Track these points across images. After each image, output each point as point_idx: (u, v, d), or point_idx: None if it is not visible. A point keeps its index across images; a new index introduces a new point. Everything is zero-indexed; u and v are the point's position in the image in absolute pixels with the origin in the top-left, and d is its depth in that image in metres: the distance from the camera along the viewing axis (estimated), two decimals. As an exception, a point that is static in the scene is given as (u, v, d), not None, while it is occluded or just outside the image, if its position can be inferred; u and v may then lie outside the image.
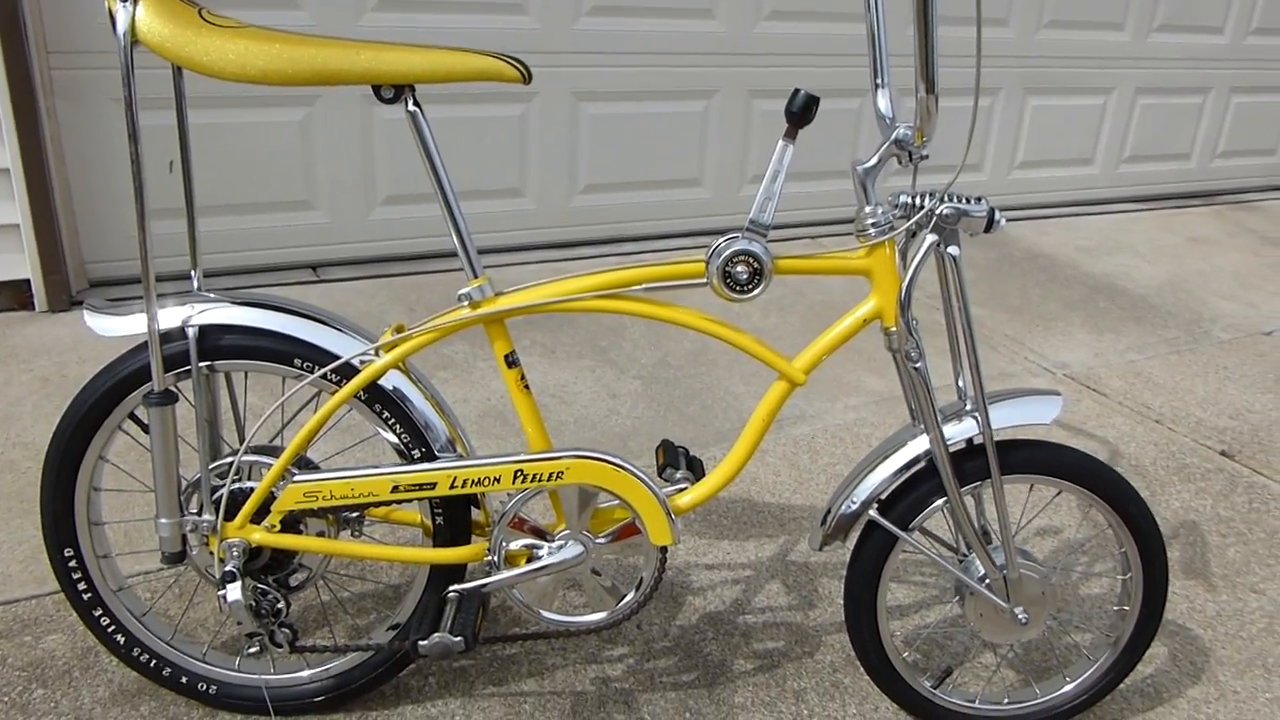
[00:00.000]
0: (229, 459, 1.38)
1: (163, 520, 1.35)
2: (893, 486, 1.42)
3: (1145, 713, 1.63)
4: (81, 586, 1.42)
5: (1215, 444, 2.51)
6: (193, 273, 1.42)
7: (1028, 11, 4.00)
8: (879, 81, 1.32)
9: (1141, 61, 4.34)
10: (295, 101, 2.98)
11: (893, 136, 1.29)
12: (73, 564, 1.41)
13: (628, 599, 1.44)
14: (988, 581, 1.45)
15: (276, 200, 3.07)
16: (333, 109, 3.03)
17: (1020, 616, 1.45)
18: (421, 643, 1.33)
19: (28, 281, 2.70)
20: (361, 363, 1.35)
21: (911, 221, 1.32)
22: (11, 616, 1.67)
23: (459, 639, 1.33)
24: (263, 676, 1.48)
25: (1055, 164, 4.38)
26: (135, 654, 1.46)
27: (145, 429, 1.34)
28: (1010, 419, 1.39)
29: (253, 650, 1.39)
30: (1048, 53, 4.11)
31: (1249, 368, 2.98)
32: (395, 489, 1.34)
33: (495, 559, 1.41)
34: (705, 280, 1.32)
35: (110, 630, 1.45)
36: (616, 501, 1.40)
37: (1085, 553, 2.04)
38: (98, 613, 1.44)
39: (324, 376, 1.35)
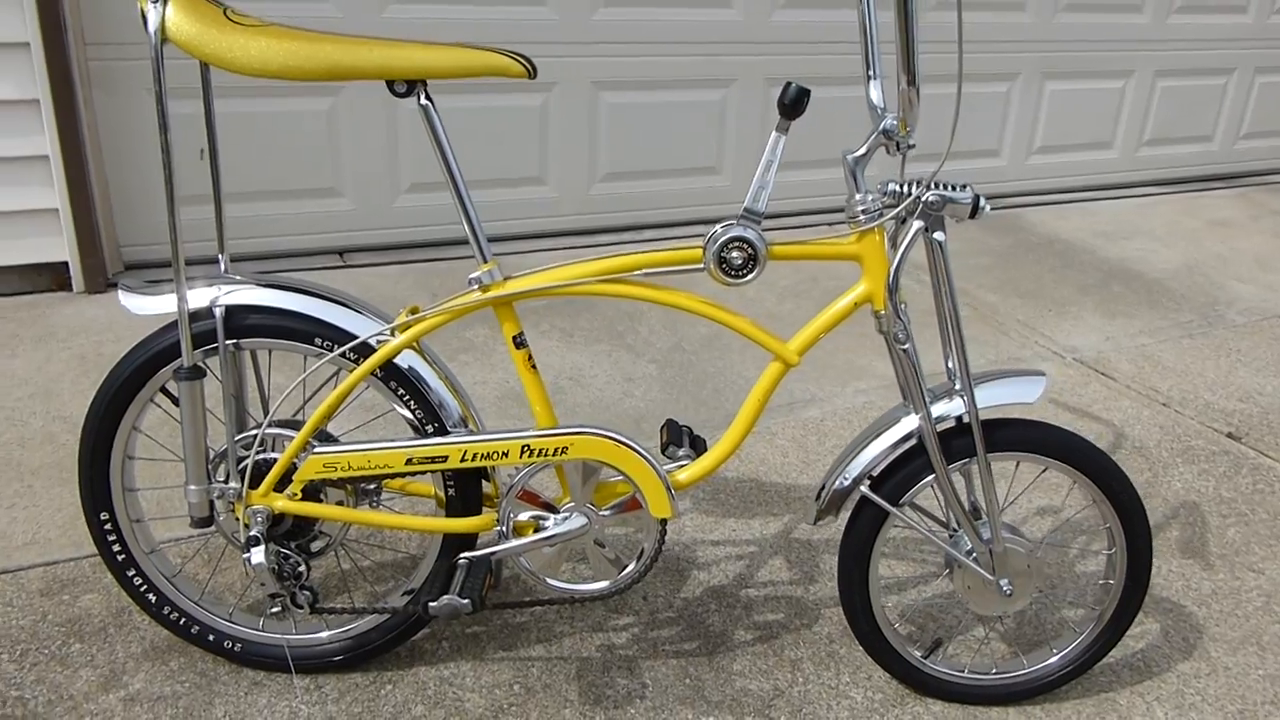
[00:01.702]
0: (254, 431, 1.47)
1: (191, 487, 1.44)
2: (884, 463, 1.48)
3: (1134, 685, 1.68)
4: (116, 548, 1.52)
5: (1222, 426, 2.54)
6: (220, 256, 1.51)
7: (1047, -4, 4.00)
8: (871, 73, 1.37)
9: (1161, 44, 4.33)
10: (322, 92, 3.07)
11: (880, 126, 1.35)
12: (108, 527, 1.51)
13: (629, 569, 1.52)
14: (974, 555, 1.51)
15: (304, 187, 3.17)
16: (359, 99, 3.11)
17: (1005, 589, 1.51)
18: (431, 604, 1.42)
19: (66, 264, 2.81)
20: (378, 342, 1.43)
21: (900, 209, 1.37)
22: (51, 577, 1.77)
23: (466, 601, 1.41)
24: (285, 636, 1.57)
25: (1074, 148, 4.39)
26: (166, 612, 1.56)
27: (176, 402, 1.43)
28: (995, 399, 1.45)
29: (275, 611, 1.48)
30: (1066, 37, 4.11)
31: (1262, 351, 3.00)
32: (409, 461, 1.42)
33: (504, 529, 1.49)
34: (703, 265, 1.38)
35: (143, 589, 1.54)
36: (619, 476, 1.47)
37: (1084, 531, 2.09)
38: (131, 573, 1.53)
39: (342, 355, 1.43)
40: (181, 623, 1.57)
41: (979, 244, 3.79)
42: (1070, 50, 4.15)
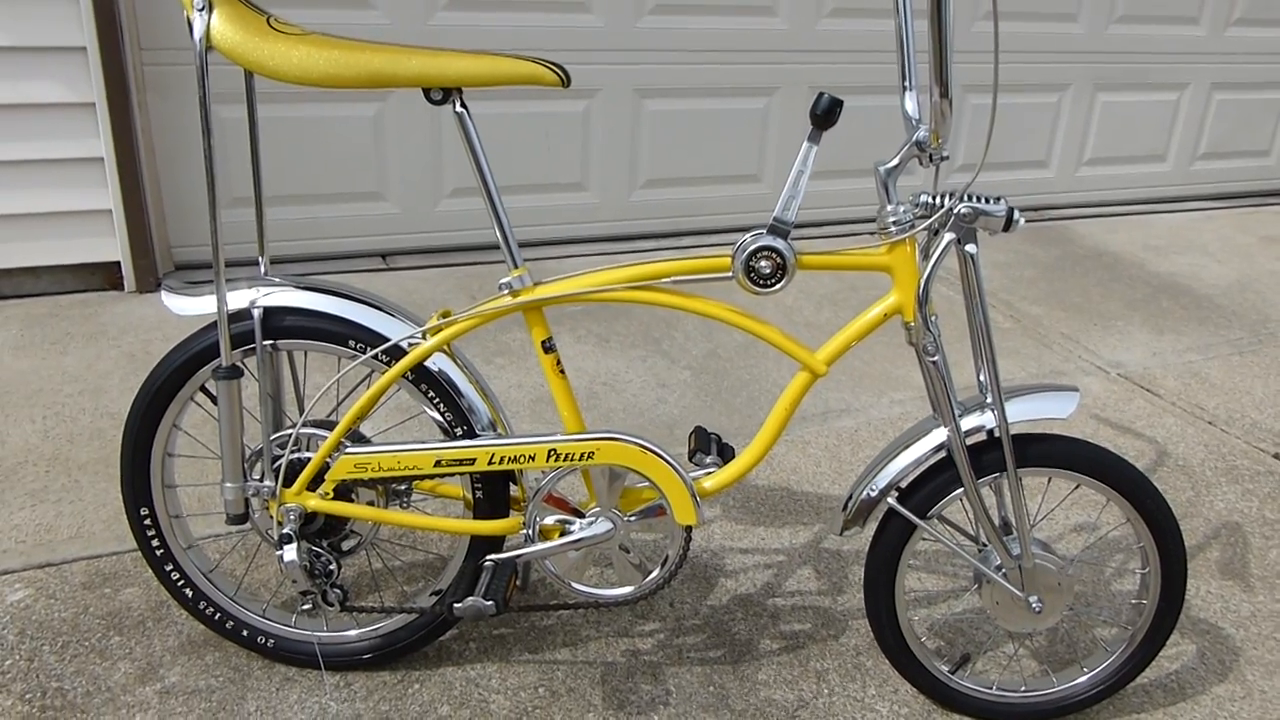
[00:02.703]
0: (289, 431, 1.50)
1: (228, 484, 1.47)
2: (912, 475, 1.48)
3: (1167, 707, 1.65)
4: (155, 543, 1.56)
5: (1269, 447, 2.48)
6: (260, 259, 1.54)
7: (1098, 6, 3.94)
8: (906, 83, 1.37)
9: (1218, 56, 4.24)
10: (369, 97, 3.12)
11: (913, 138, 1.34)
12: (148, 522, 1.55)
13: (653, 575, 1.52)
14: (1004, 571, 1.50)
15: (349, 191, 3.22)
16: (404, 105, 3.16)
17: (1034, 606, 1.49)
18: (456, 605, 1.44)
19: (118, 264, 2.89)
20: (409, 345, 1.45)
21: (931, 220, 1.37)
22: (94, 570, 1.82)
23: (490, 602, 1.43)
24: (315, 633, 1.60)
25: (1126, 161, 4.31)
26: (201, 607, 1.59)
27: (215, 401, 1.46)
28: (1026, 413, 1.43)
29: (306, 608, 1.50)
30: (1119, 48, 4.05)
31: (1314, 372, 2.93)
32: (438, 463, 1.44)
33: (530, 532, 1.51)
34: (731, 274, 1.39)
35: (180, 584, 1.58)
36: (645, 482, 1.48)
37: (1119, 548, 2.05)
38: (169, 568, 1.57)
39: (375, 357, 1.46)
40: (217, 618, 1.60)
41: (1025, 256, 3.74)
42: (1123, 62, 4.09)
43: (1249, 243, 4.07)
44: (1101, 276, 3.59)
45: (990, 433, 1.45)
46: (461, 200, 3.36)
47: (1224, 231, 4.20)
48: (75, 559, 1.85)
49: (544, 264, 3.35)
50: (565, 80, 1.37)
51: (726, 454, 1.58)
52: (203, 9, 1.28)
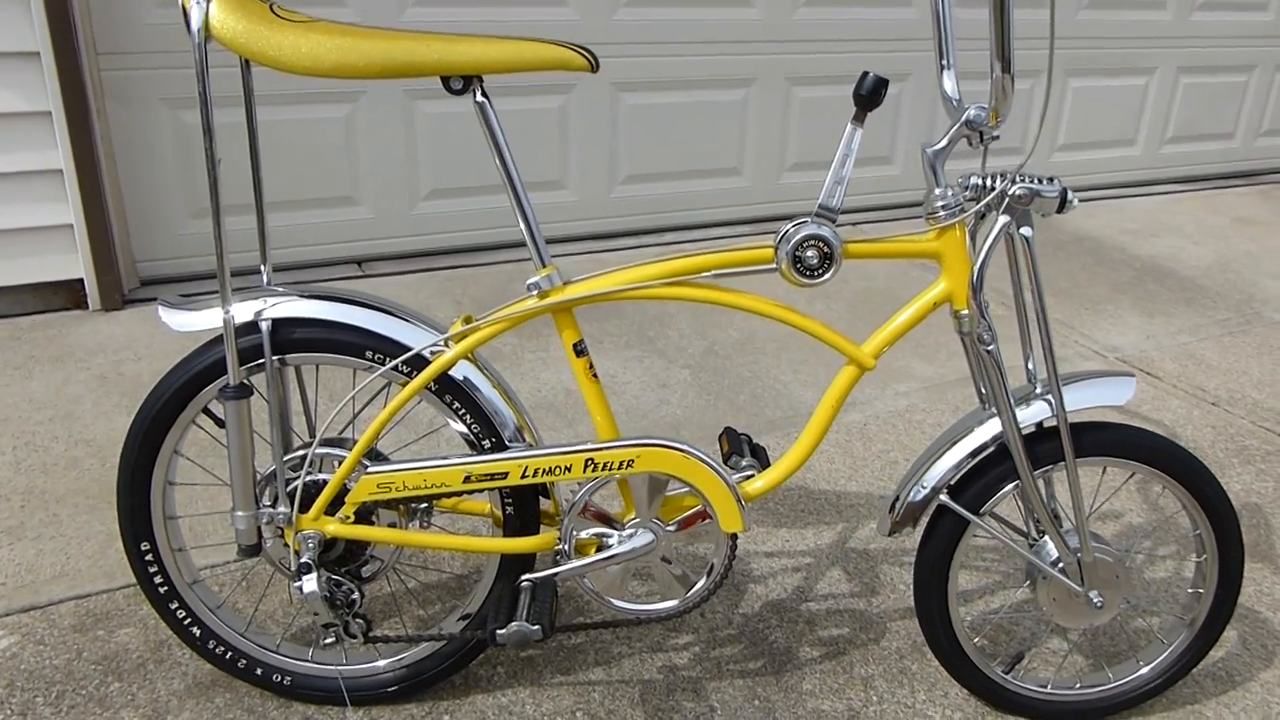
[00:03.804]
0: (302, 451, 1.39)
1: (239, 513, 1.36)
2: (963, 471, 1.41)
3: (1218, 696, 1.61)
4: (158, 580, 1.44)
5: (1274, 425, 2.47)
6: (262, 267, 1.43)
7: (1068, -9, 3.95)
8: (945, 63, 1.31)
9: (1184, 40, 4.27)
10: (339, 98, 2.99)
11: (963, 117, 1.28)
12: (149, 558, 1.43)
13: (698, 586, 1.44)
14: (1061, 565, 1.44)
15: (321, 196, 3.09)
16: (376, 105, 3.04)
17: (1095, 600, 1.44)
18: (500, 631, 1.34)
19: (81, 281, 2.74)
20: (432, 354, 1.35)
21: (982, 203, 1.31)
22: (84, 611, 1.69)
23: (536, 627, 1.34)
24: (337, 667, 1.49)
25: (1097, 146, 4.33)
26: (211, 646, 1.48)
27: (219, 423, 1.35)
28: (1084, 401, 1.38)
29: (329, 641, 1.40)
30: (1088, 34, 4.06)
31: (1304, 348, 2.94)
32: (467, 479, 1.35)
33: (566, 548, 1.42)
34: (774, 266, 1.31)
35: (186, 623, 1.46)
36: (685, 489, 1.40)
37: (1149, 535, 2.02)
38: (174, 605, 1.45)
39: (395, 368, 1.35)
40: (228, 656, 1.49)
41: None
42: (1093, 47, 4.09)
43: (1222, 224, 4.10)
44: (1085, 261, 3.59)
45: (1040, 423, 1.40)
46: (439, 202, 3.25)
47: (1197, 213, 4.23)
48: (62, 599, 1.72)
49: (526, 265, 3.25)
50: (594, 65, 1.28)
51: (760, 455, 1.51)
52: (200, -3, 1.17)
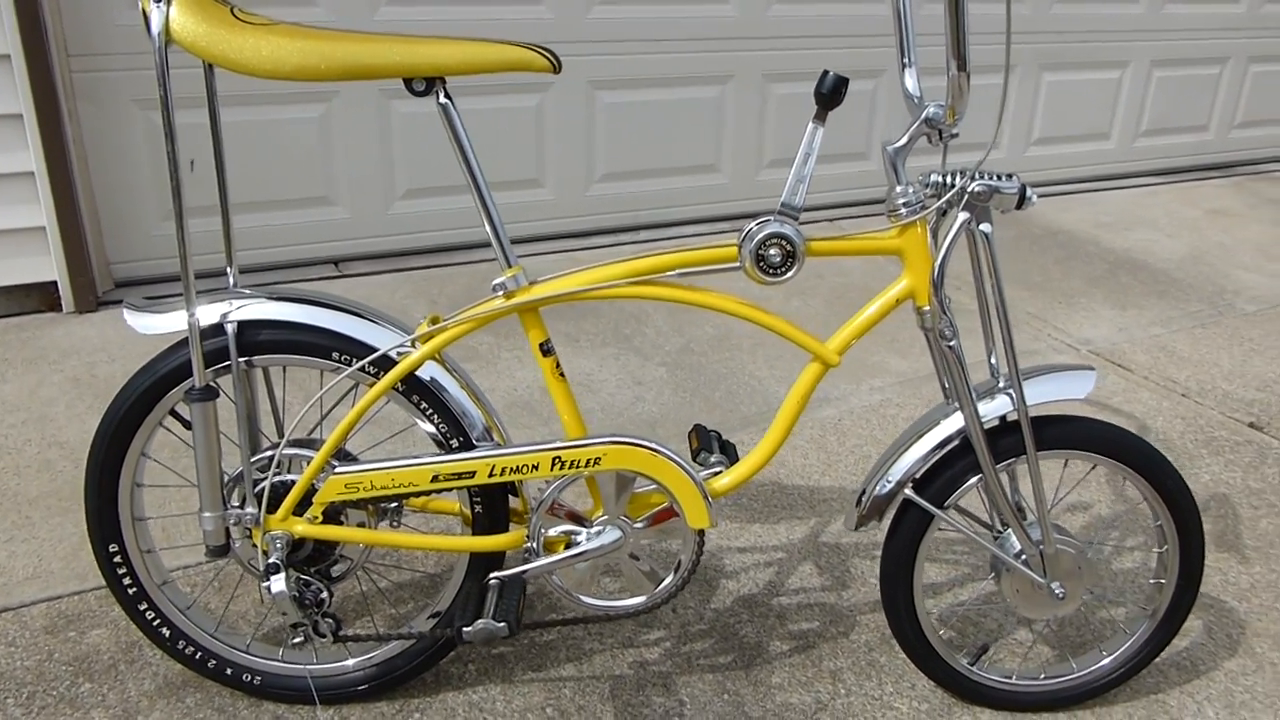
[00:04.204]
0: (269, 452, 1.40)
1: (206, 514, 1.36)
2: (927, 465, 1.43)
3: (1182, 685, 1.63)
4: (127, 581, 1.44)
5: (1243, 416, 2.50)
6: (228, 269, 1.43)
7: (1042, -14, 3.97)
8: (906, 60, 1.32)
9: (1156, 33, 4.31)
10: (313, 98, 2.99)
11: (923, 115, 1.29)
12: (118, 559, 1.43)
13: (666, 582, 1.45)
14: (1024, 557, 1.46)
15: (297, 197, 3.09)
16: (351, 105, 3.04)
17: (1057, 591, 1.45)
18: (466, 629, 1.35)
19: (55, 283, 2.72)
20: (399, 354, 1.36)
21: (943, 200, 1.32)
22: (56, 613, 1.69)
23: (503, 624, 1.34)
24: (307, 666, 1.50)
25: (1072, 140, 4.36)
26: (181, 647, 1.48)
27: (186, 425, 1.36)
28: (1045, 394, 1.39)
29: (297, 640, 1.40)
30: (1061, 27, 4.09)
31: (1275, 339, 2.97)
32: (435, 478, 1.35)
33: (534, 545, 1.42)
34: (738, 264, 1.32)
35: (156, 624, 1.47)
36: (653, 486, 1.41)
37: (1116, 527, 2.04)
38: (143, 607, 1.46)
39: (362, 369, 1.36)
40: (197, 657, 1.49)
41: (981, 237, 3.75)
42: (1066, 41, 4.12)
43: (1195, 216, 4.14)
44: (1059, 254, 3.61)
45: (1003, 417, 1.41)
46: (415, 202, 3.25)
47: (1170, 206, 4.26)
48: (34, 601, 1.72)
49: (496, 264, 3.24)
50: (557, 65, 1.29)
51: (729, 452, 1.52)
52: (160, 1, 1.17)
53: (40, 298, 2.74)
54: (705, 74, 3.50)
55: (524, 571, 1.41)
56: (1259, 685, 1.64)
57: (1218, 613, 1.80)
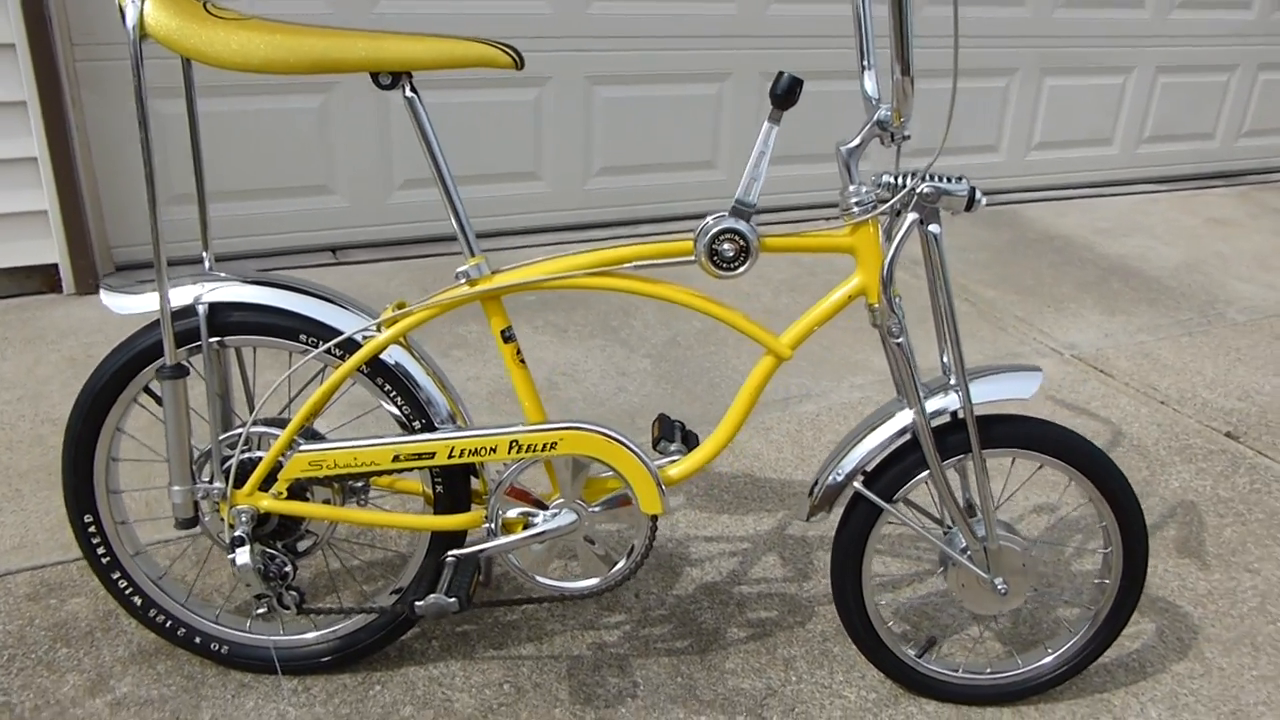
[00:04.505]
0: (239, 430, 1.45)
1: (175, 487, 1.42)
2: (878, 458, 1.46)
3: (1129, 686, 1.66)
4: (100, 551, 1.50)
5: (1220, 425, 2.52)
6: (204, 254, 1.49)
7: (1045, -9, 3.98)
8: (865, 63, 1.36)
9: (1163, 39, 4.30)
10: (315, 89, 3.04)
11: (874, 117, 1.33)
12: (92, 529, 1.49)
13: (619, 566, 1.50)
14: (969, 553, 1.49)
15: (296, 185, 3.15)
16: (351, 96, 3.09)
17: (1000, 587, 1.49)
18: (418, 603, 1.40)
19: (56, 266, 2.79)
20: (364, 338, 1.41)
21: (894, 200, 1.35)
22: (39, 581, 1.75)
23: (453, 600, 1.39)
24: (271, 637, 1.55)
25: (1073, 145, 4.36)
26: (151, 615, 1.54)
27: (160, 402, 1.41)
28: (990, 394, 1.43)
29: (261, 611, 1.46)
30: (1065, 32, 4.09)
31: (1262, 350, 2.98)
32: (396, 458, 1.40)
33: (493, 526, 1.47)
34: (693, 258, 1.36)
35: (128, 592, 1.53)
36: (610, 472, 1.46)
37: (1082, 529, 2.07)
38: (115, 575, 1.51)
39: (328, 351, 1.41)
40: (168, 625, 1.55)
41: (977, 239, 3.77)
42: (1069, 45, 4.13)
43: (1195, 224, 4.14)
44: (1053, 259, 3.63)
45: (954, 414, 1.45)
46: (413, 192, 3.30)
47: (1170, 214, 4.26)
48: (19, 570, 1.78)
49: (498, 255, 3.29)
50: (519, 62, 1.33)
51: (691, 441, 1.56)
52: (136, -6, 1.22)
53: (42, 279, 2.81)
54: (704, 71, 3.54)
55: (480, 551, 1.46)
56: (1204, 689, 1.67)
57: (1172, 617, 1.83)
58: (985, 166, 4.20)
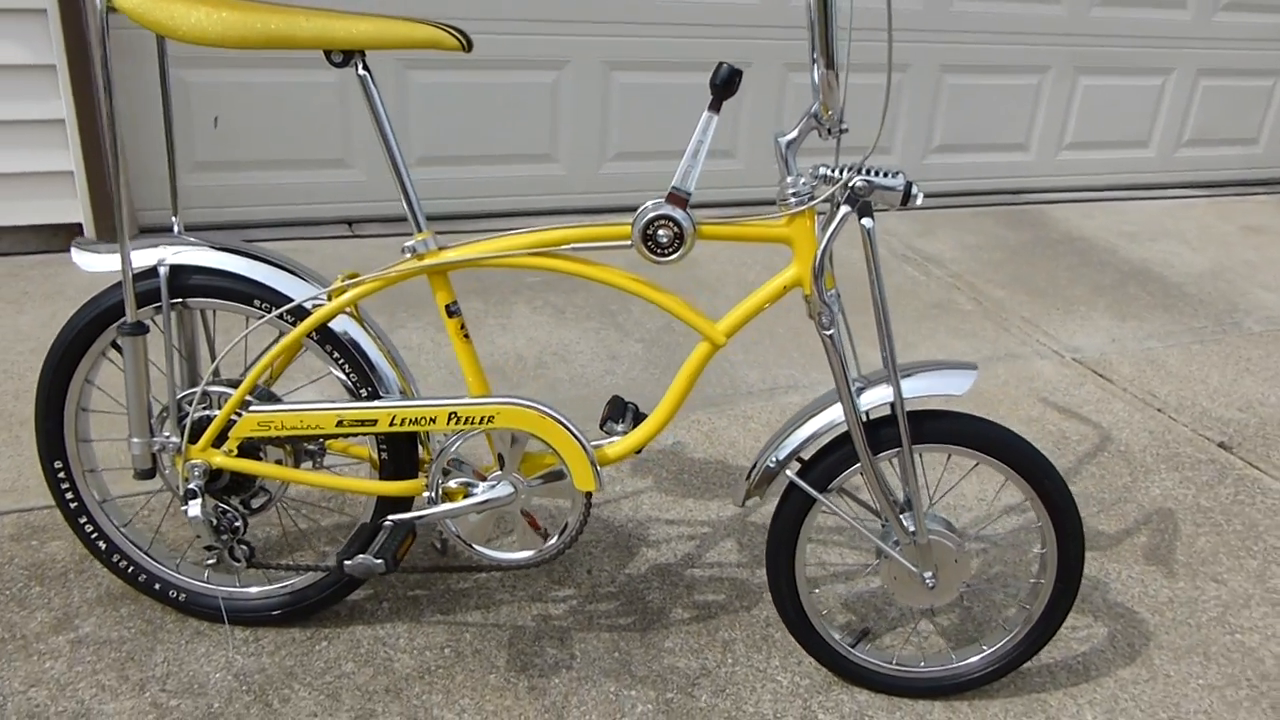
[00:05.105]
0: (196, 388, 1.52)
1: (135, 439, 1.49)
2: (812, 448, 1.48)
3: (1069, 687, 1.66)
4: (69, 496, 1.58)
5: (1215, 435, 2.48)
6: (174, 219, 1.56)
7: (1082, -12, 3.91)
8: (813, 55, 1.37)
9: (1205, 42, 4.19)
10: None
11: (810, 110, 1.34)
12: (61, 475, 1.57)
13: (552, 541, 1.54)
14: (900, 546, 1.51)
15: (314, 158, 3.23)
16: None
17: (928, 581, 1.50)
18: (347, 562, 1.46)
19: (80, 225, 2.91)
20: (313, 306, 1.46)
21: (830, 192, 1.37)
22: (24, 523, 1.85)
23: (379, 561, 1.45)
24: (222, 588, 1.62)
25: (1107, 146, 4.28)
26: (115, 560, 1.62)
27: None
28: (921, 389, 1.44)
29: (210, 562, 1.53)
30: (1102, 31, 4.01)
31: (1274, 361, 2.91)
32: (340, 423, 1.46)
33: (433, 494, 1.52)
34: (630, 242, 1.39)
35: (94, 537, 1.61)
36: (549, 448, 1.50)
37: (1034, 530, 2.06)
38: (82, 520, 1.60)
39: (280, 317, 1.47)
40: (130, 571, 1.63)
41: (996, 238, 3.73)
42: (1106, 45, 4.05)
43: (1228, 231, 4.04)
44: (1071, 261, 3.58)
45: (892, 407, 1.46)
46: (428, 169, 3.37)
47: (1205, 219, 4.17)
48: (7, 511, 1.88)
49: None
50: (466, 45, 1.37)
51: (640, 423, 1.59)
52: (103, -33, 1.29)
53: (65, 237, 2.93)
54: (724, 59, 3.54)
55: (417, 517, 1.51)
56: (1146, 695, 1.66)
57: (1127, 622, 1.82)
58: (1014, 165, 4.14)
